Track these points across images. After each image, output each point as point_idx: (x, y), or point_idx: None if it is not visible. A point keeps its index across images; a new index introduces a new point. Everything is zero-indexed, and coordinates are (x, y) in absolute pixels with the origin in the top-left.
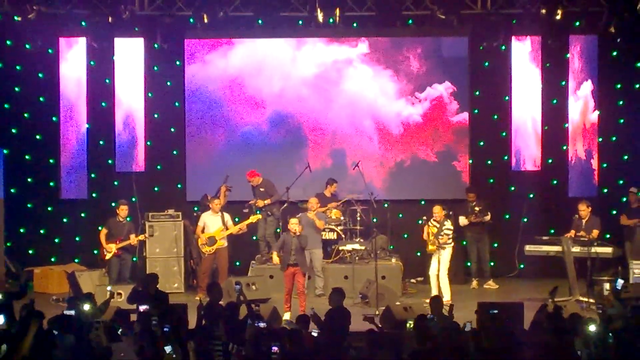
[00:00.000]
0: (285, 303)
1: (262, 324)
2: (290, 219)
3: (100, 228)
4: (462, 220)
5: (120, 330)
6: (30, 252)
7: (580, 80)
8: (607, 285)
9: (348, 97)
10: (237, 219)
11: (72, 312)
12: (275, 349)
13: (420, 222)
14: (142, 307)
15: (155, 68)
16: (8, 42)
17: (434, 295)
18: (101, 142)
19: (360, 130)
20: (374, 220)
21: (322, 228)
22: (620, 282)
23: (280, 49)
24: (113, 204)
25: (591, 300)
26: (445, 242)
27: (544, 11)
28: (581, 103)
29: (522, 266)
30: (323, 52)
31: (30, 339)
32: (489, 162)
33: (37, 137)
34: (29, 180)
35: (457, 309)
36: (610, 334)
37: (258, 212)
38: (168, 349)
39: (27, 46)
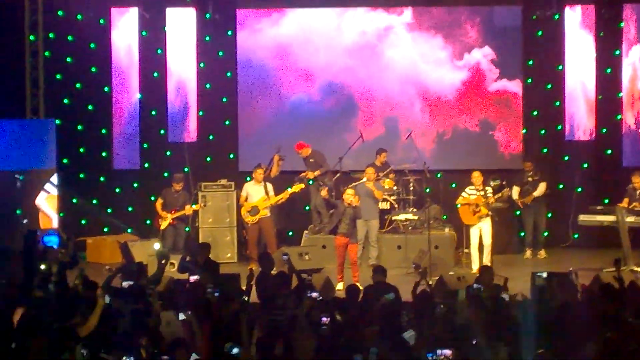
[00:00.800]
0: (338, 274)
1: (314, 294)
2: (346, 189)
3: (153, 198)
4: (514, 193)
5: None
6: (82, 222)
7: (635, 49)
8: None
9: (398, 65)
10: (289, 189)
11: (130, 283)
12: (324, 319)
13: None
14: (193, 278)
15: (207, 38)
16: (60, 13)
17: (484, 265)
18: (153, 113)
19: (410, 98)
20: (427, 190)
21: (380, 198)
22: None
23: (329, 17)
24: (165, 175)
25: None
26: (495, 202)
27: None
28: (630, 70)
29: (576, 236)
30: (370, 20)
31: (99, 311)
32: (543, 131)
33: (89, 107)
34: (81, 150)
35: (510, 279)
36: None
37: (311, 182)
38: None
39: (79, 17)
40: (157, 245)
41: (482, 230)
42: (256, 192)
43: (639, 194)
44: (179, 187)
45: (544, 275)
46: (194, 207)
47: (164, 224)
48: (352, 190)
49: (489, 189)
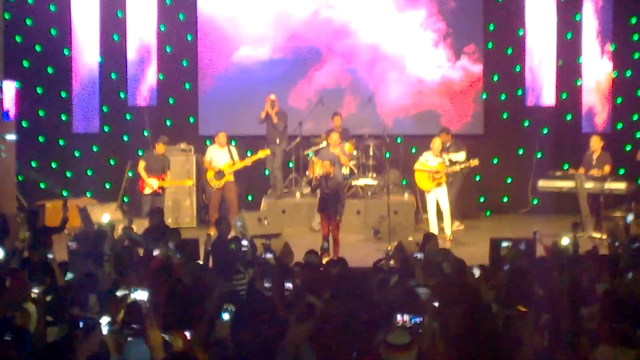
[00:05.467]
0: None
1: (269, 255)
2: (323, 162)
3: (112, 162)
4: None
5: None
6: (41, 186)
7: (595, 13)
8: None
9: (358, 31)
10: (249, 153)
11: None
12: (289, 285)
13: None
14: (156, 252)
15: (167, 1)
16: None
17: (426, 232)
18: (113, 76)
19: (370, 62)
20: (387, 155)
21: (347, 164)
22: (630, 217)
23: None
24: (125, 138)
25: (603, 237)
26: (457, 171)
27: None
28: (594, 37)
29: (535, 202)
30: None
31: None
32: (503, 97)
33: (49, 69)
34: (41, 113)
35: (463, 245)
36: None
37: (310, 154)
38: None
39: None
40: (106, 217)
41: (438, 196)
42: (220, 156)
43: (596, 158)
44: (162, 151)
45: (507, 244)
46: (186, 182)
47: (148, 190)
48: (327, 162)
49: (446, 156)
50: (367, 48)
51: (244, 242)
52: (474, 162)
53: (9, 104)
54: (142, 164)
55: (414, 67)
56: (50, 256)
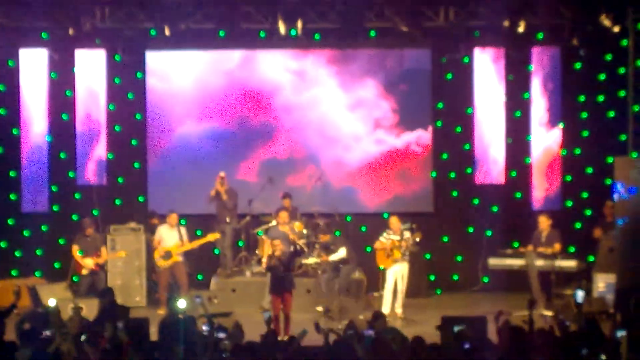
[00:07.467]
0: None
1: (222, 334)
2: (272, 240)
3: (62, 242)
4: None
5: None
6: None
7: (544, 92)
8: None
9: (306, 109)
10: (198, 232)
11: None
12: None
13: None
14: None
15: (117, 80)
16: None
17: (376, 311)
18: (62, 155)
19: (318, 140)
20: (337, 233)
21: (296, 242)
22: (579, 294)
23: (240, 60)
24: (75, 218)
25: (553, 314)
26: (413, 251)
27: (506, 23)
28: (544, 116)
29: (486, 280)
30: (277, 62)
31: None
32: (452, 175)
33: None
34: None
35: (414, 323)
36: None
37: (260, 233)
38: None
39: None
40: (52, 301)
41: (398, 274)
42: (170, 237)
43: (544, 236)
44: (90, 232)
45: (460, 327)
46: (118, 254)
47: (85, 271)
48: (278, 241)
49: (407, 234)
50: (316, 124)
51: (199, 322)
52: (417, 236)
53: None
54: (75, 248)
55: (361, 144)
56: None
